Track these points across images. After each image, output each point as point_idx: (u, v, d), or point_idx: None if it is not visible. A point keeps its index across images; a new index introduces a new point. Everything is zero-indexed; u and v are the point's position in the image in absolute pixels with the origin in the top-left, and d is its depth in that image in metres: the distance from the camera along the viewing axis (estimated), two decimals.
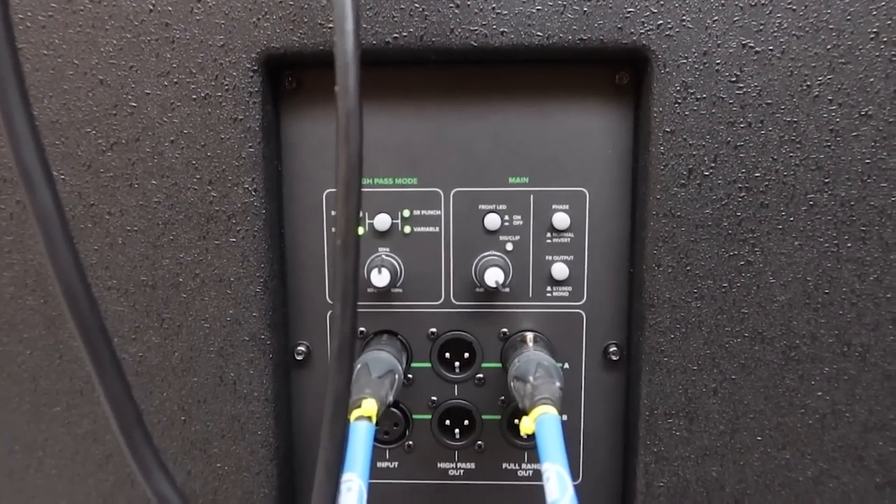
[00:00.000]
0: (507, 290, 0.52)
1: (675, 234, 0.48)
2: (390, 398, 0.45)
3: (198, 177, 0.49)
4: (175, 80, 0.48)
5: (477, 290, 0.52)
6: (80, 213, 0.50)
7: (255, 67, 0.48)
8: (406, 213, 0.52)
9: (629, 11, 0.46)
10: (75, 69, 0.49)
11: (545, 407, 0.40)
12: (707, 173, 0.47)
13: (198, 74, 0.48)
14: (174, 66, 0.48)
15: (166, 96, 0.49)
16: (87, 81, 0.49)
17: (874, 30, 0.46)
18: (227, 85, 0.48)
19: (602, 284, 0.52)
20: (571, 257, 0.52)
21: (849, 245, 0.48)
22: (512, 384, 0.46)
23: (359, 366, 0.47)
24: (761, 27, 0.46)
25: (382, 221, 0.51)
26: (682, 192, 0.48)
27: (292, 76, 0.51)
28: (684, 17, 0.46)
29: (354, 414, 0.42)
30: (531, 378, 0.44)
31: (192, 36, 0.48)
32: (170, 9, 0.48)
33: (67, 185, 0.50)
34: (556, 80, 0.50)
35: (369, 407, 0.42)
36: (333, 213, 0.52)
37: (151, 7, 0.48)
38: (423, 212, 0.52)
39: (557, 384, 0.43)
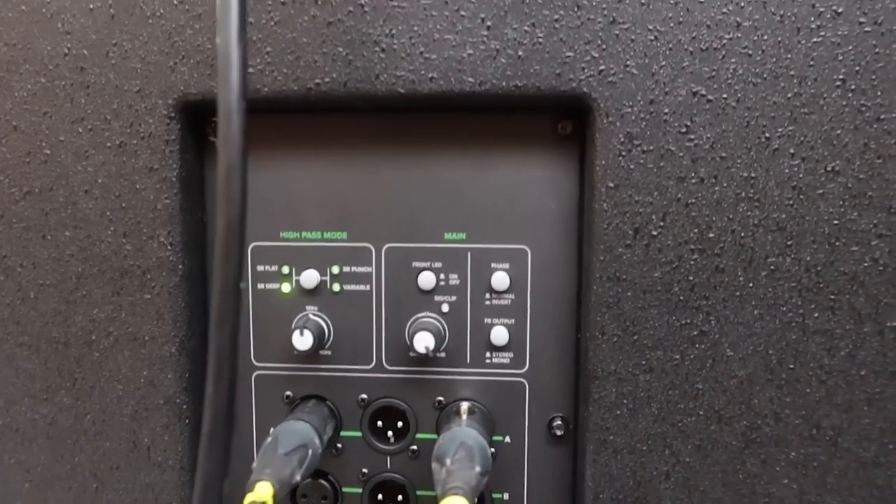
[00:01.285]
0: (443, 354, 0.48)
1: (621, 299, 0.44)
2: (297, 477, 0.41)
3: (112, 229, 0.46)
4: (90, 126, 0.46)
5: (411, 354, 0.48)
6: None
7: (172, 114, 0.45)
8: (335, 269, 0.48)
9: (568, 56, 0.43)
10: None
11: (454, 499, 0.36)
12: (655, 233, 0.43)
13: (113, 121, 0.45)
14: (89, 112, 0.46)
15: (80, 144, 0.46)
16: (0, 127, 0.47)
17: (840, 76, 0.41)
18: (142, 132, 0.45)
19: (546, 351, 0.48)
20: (512, 320, 0.47)
21: (816, 315, 0.42)
22: (432, 465, 0.41)
23: (269, 439, 0.43)
24: (713, 73, 0.42)
25: (310, 278, 0.48)
26: (627, 253, 0.43)
27: (215, 123, 0.48)
28: (628, 63, 0.42)
29: (248, 498, 0.37)
30: (448, 461, 0.39)
31: (108, 81, 0.45)
32: (85, 52, 0.45)
33: None
34: (494, 129, 0.46)
35: (262, 491, 0.38)
36: (260, 267, 0.49)
37: (66, 51, 0.45)
38: (354, 268, 0.48)
39: (476, 469, 0.39)
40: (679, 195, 0.43)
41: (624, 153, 0.43)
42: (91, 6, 0.45)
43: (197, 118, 0.47)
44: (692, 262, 0.43)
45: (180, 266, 0.46)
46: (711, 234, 0.43)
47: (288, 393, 0.49)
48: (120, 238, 0.46)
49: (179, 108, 0.45)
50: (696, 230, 0.43)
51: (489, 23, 0.43)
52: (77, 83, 0.46)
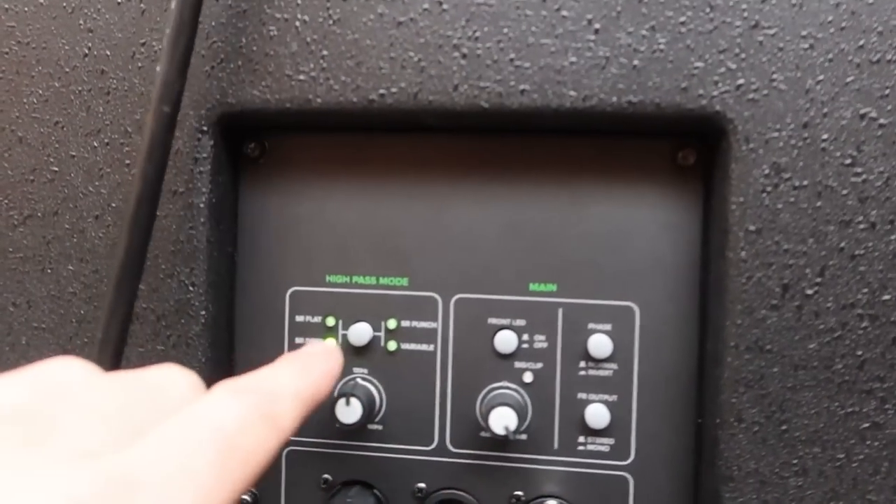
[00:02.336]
0: (524, 437, 0.38)
1: (765, 376, 0.33)
2: None
3: None
4: (106, 140, 0.38)
5: (482, 434, 0.38)
6: None
7: (205, 127, 0.37)
8: (392, 323, 0.39)
9: (697, 67, 0.34)
10: None
11: None
12: (811, 292, 0.33)
13: (134, 134, 0.38)
14: (107, 122, 0.38)
15: (94, 160, 0.38)
16: (4, 139, 0.39)
17: None
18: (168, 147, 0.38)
19: (658, 438, 0.37)
20: (614, 397, 0.37)
21: None
22: None
23: None
24: (887, 91, 0.33)
25: (360, 333, 0.39)
26: (773, 316, 0.33)
27: (255, 142, 0.40)
28: (775, 76, 0.33)
29: None
30: None
31: (131, 87, 0.38)
32: (107, 53, 0.38)
33: None
34: (596, 157, 0.38)
35: None
36: (299, 317, 0.40)
37: (87, 51, 0.38)
38: (415, 323, 0.39)
39: None
40: (842, 244, 0.33)
41: (769, 189, 0.33)
42: (119, 0, 0.38)
43: (234, 133, 0.39)
44: (860, 332, 0.33)
45: (203, 312, 0.38)
46: (887, 296, 0.33)
47: (326, 476, 0.40)
48: None
49: (214, 121, 0.37)
50: (865, 290, 0.33)
51: (597, 25, 0.35)
52: (96, 89, 0.38)
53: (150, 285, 0.38)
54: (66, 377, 0.21)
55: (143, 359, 0.38)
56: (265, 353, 0.40)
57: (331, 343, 0.38)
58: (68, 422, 0.18)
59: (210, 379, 0.37)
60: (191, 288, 0.38)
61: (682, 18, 0.34)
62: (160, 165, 0.35)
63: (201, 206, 0.37)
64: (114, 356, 0.34)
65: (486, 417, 0.37)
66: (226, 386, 0.23)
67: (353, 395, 0.36)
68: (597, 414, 0.37)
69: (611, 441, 0.38)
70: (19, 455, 0.17)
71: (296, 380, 0.26)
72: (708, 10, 0.34)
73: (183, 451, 0.18)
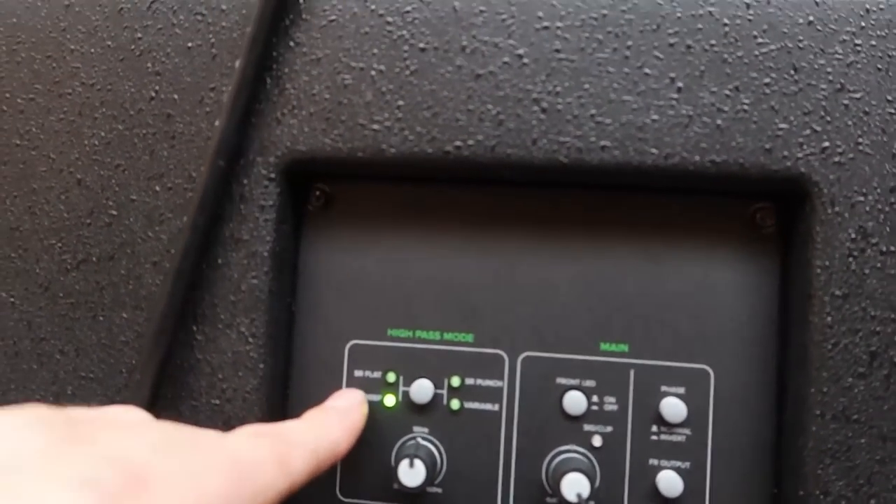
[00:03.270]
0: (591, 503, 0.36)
1: (852, 447, 0.32)
2: None
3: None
4: (169, 185, 0.37)
5: (548, 499, 0.37)
6: (26, 348, 0.38)
7: (273, 175, 0.36)
8: (455, 381, 0.38)
9: (781, 129, 0.34)
10: (50, 165, 0.38)
11: None
12: None
13: (199, 180, 0.37)
14: (171, 167, 0.37)
15: (156, 205, 0.37)
16: (62, 181, 0.38)
17: None
18: (232, 195, 0.37)
19: None
20: (687, 464, 0.36)
21: None
22: None
23: None
24: None
25: (422, 390, 0.37)
26: (860, 385, 0.32)
27: (321, 190, 0.39)
28: (860, 140, 0.33)
29: None
30: None
31: (198, 131, 0.37)
32: (175, 97, 0.37)
33: (16, 310, 0.38)
34: (673, 216, 0.37)
35: None
36: (358, 372, 0.38)
37: (153, 94, 0.38)
38: (479, 381, 0.38)
39: None
40: None
41: (856, 254, 0.33)
42: (190, 44, 0.37)
43: (300, 182, 0.38)
44: None
45: (261, 365, 0.36)
46: None
47: None
48: (189, 325, 0.37)
49: (281, 169, 0.37)
50: None
51: (680, 83, 0.34)
52: (161, 132, 0.37)
53: (207, 335, 0.37)
54: (125, 416, 0.26)
55: (195, 412, 0.36)
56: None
57: (356, 396, 0.37)
58: (110, 436, 0.22)
59: None
60: (250, 340, 0.36)
61: (767, 80, 0.34)
62: (210, 217, 0.35)
63: (265, 254, 0.36)
64: (146, 406, 0.33)
65: (553, 483, 0.35)
66: (248, 428, 0.27)
67: (417, 457, 0.35)
68: (669, 481, 0.36)
69: None
70: (62, 448, 0.20)
71: (313, 434, 0.30)
72: (793, 72, 0.34)
73: (197, 467, 0.22)
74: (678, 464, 0.36)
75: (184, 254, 0.35)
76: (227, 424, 0.36)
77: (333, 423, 0.33)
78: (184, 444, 0.23)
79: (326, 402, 0.36)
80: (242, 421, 0.36)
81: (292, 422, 0.32)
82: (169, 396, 0.37)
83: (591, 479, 0.34)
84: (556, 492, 0.34)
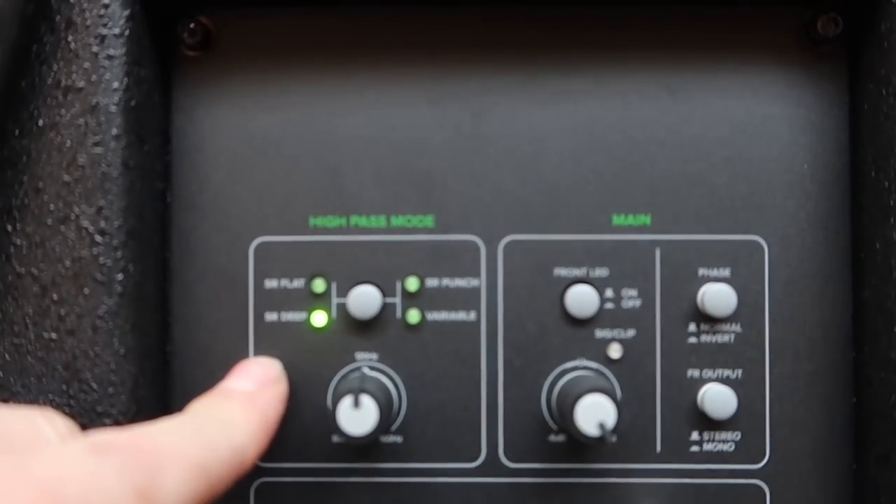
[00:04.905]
0: (615, 439, 0.26)
1: None
2: None
3: None
4: None
5: (552, 438, 0.26)
6: None
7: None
8: (412, 284, 0.26)
9: None
10: None
11: None
12: None
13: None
14: None
15: None
16: None
17: None
18: (53, 16, 0.24)
19: (802, 429, 0.26)
20: (738, 373, 0.26)
21: None
22: None
23: None
24: None
25: (365, 301, 0.26)
26: None
27: (197, 23, 0.27)
28: None
29: None
30: None
31: None
32: None
33: None
34: (704, 33, 0.26)
35: None
36: (270, 282, 0.27)
37: None
38: (446, 281, 0.26)
39: None
40: None
41: None
42: None
43: (165, 11, 0.26)
44: None
45: (119, 277, 0.24)
46: None
47: None
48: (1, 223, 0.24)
49: None
50: None
51: None
52: None
53: (30, 237, 0.24)
54: None
55: (18, 356, 0.24)
56: (221, 342, 0.27)
57: (269, 369, 0.25)
58: None
59: (133, 392, 0.24)
60: (98, 238, 0.24)
61: None
62: (12, 51, 0.22)
63: (112, 110, 0.24)
64: None
65: (560, 413, 0.25)
66: (91, 438, 0.17)
67: (364, 392, 0.23)
68: (716, 398, 0.26)
69: (736, 436, 0.26)
70: None
71: (199, 440, 0.19)
72: None
73: None
74: (727, 373, 0.26)
75: None
76: (69, 370, 0.24)
77: (235, 415, 0.22)
78: None
79: (223, 382, 0.24)
80: (93, 368, 0.24)
81: (165, 421, 0.19)
82: None
83: (618, 407, 0.24)
84: (565, 424, 0.24)
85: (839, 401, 0.26)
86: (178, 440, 0.18)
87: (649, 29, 0.26)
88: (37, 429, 0.18)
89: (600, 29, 0.26)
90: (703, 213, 0.26)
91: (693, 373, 0.26)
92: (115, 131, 0.24)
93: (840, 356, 0.26)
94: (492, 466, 0.26)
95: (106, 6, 0.24)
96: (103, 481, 0.15)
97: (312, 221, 0.27)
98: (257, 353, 0.26)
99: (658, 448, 0.26)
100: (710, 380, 0.26)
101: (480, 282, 0.26)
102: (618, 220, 0.26)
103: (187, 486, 0.17)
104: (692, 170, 0.26)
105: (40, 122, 0.24)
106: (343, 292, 0.26)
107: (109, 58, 0.24)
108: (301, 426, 0.26)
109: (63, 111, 0.24)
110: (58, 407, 0.23)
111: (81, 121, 0.24)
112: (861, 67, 0.26)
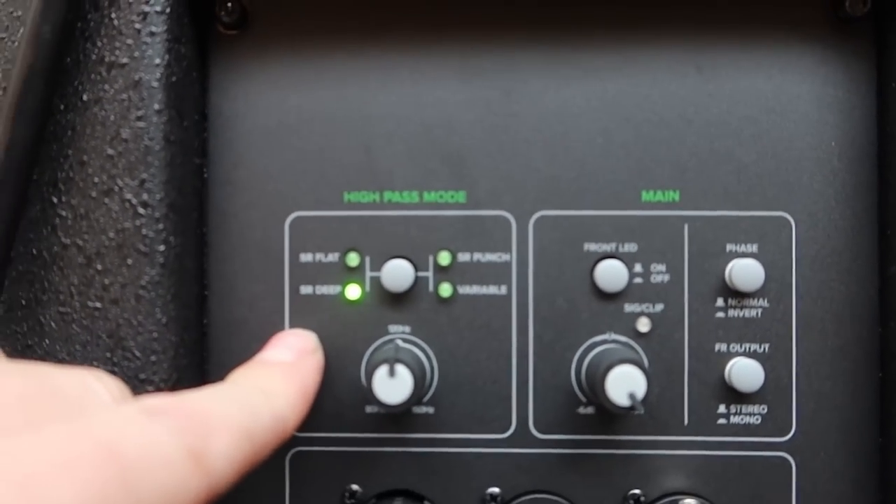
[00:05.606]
0: (640, 411, 0.27)
1: None
2: None
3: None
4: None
5: (581, 410, 0.27)
6: None
7: None
8: (444, 258, 0.27)
9: None
10: None
11: None
12: None
13: None
14: None
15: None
16: None
17: None
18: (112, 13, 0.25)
19: (828, 402, 0.27)
20: (766, 347, 0.27)
21: None
22: None
23: None
24: None
25: (399, 275, 0.26)
26: None
27: (231, 3, 0.27)
28: None
29: None
30: None
31: None
32: None
33: None
34: (730, 13, 0.27)
35: None
36: (305, 256, 0.27)
37: None
38: (478, 256, 0.27)
39: None
40: None
41: None
42: None
43: None
44: None
45: (161, 248, 0.25)
46: None
47: (354, 487, 0.27)
48: (47, 195, 0.25)
49: None
50: None
51: None
52: None
53: (75, 209, 0.25)
54: None
55: (64, 323, 0.25)
56: (256, 314, 0.27)
57: (306, 340, 0.26)
58: None
59: (174, 360, 0.25)
60: (140, 210, 0.24)
61: None
62: (61, 28, 0.23)
63: (154, 85, 0.25)
64: None
65: (590, 385, 0.25)
66: (144, 402, 0.17)
67: (400, 362, 0.24)
68: (744, 371, 0.26)
69: (763, 409, 0.27)
70: None
71: (244, 407, 0.19)
72: None
73: (43, 466, 0.13)
74: (754, 347, 0.27)
75: (23, 86, 0.23)
76: (113, 339, 0.24)
77: (275, 385, 0.22)
78: (37, 416, 0.15)
79: (262, 352, 0.25)
80: (136, 336, 0.24)
81: (210, 388, 0.20)
82: (22, 300, 0.25)
83: (647, 378, 0.24)
84: (595, 396, 0.25)
85: (865, 375, 0.27)
86: (224, 407, 0.19)
87: (678, 6, 0.27)
88: (88, 387, 0.18)
89: (629, 6, 0.27)
90: (731, 190, 0.27)
91: (721, 347, 0.27)
92: (156, 106, 0.25)
93: (866, 331, 0.27)
94: (522, 437, 0.27)
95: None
96: (159, 442, 0.16)
97: (346, 197, 0.27)
98: (292, 325, 0.27)
99: (685, 421, 0.27)
100: (737, 354, 0.27)
101: (511, 256, 0.27)
102: (647, 196, 0.27)
103: (235, 451, 0.18)
104: (720, 147, 0.27)
105: (85, 98, 0.25)
106: (376, 266, 0.27)
107: (151, 34, 0.25)
108: (335, 397, 0.27)
109: (107, 86, 0.25)
110: None
111: (124, 96, 0.25)
112: (889, 46, 0.26)
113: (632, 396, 0.24)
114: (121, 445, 0.15)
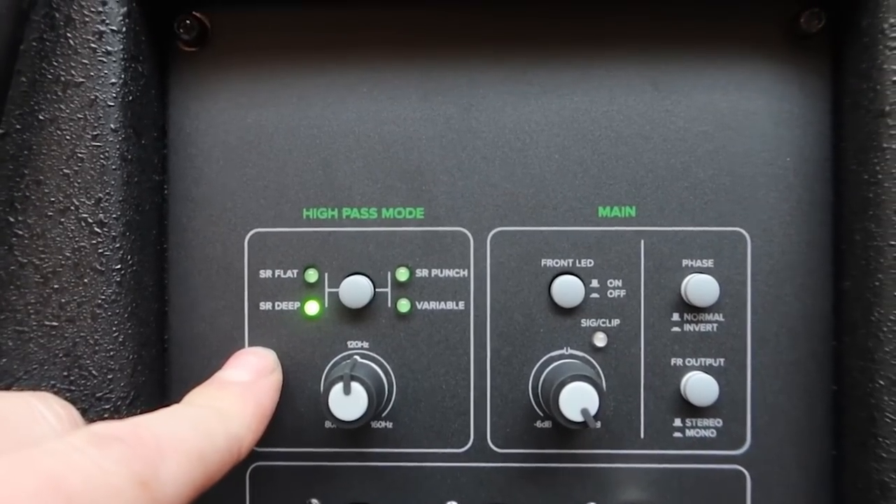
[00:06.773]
0: (598, 425, 0.27)
1: None
2: None
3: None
4: None
5: (538, 424, 0.27)
6: None
7: None
8: (402, 274, 0.27)
9: None
10: None
11: None
12: None
13: None
14: None
15: None
16: None
17: None
18: (53, 14, 0.25)
19: (781, 416, 0.27)
20: (721, 362, 0.27)
21: None
22: None
23: None
24: None
25: (357, 291, 0.27)
26: None
27: (193, 19, 0.27)
28: None
29: None
30: None
31: None
32: None
33: None
34: (688, 28, 0.27)
35: None
36: (265, 272, 0.27)
37: None
38: (436, 272, 0.27)
39: None
40: None
41: None
42: None
43: (161, 5, 0.26)
44: None
45: (117, 267, 0.25)
46: None
47: (314, 502, 0.27)
48: (4, 215, 0.25)
49: None
50: None
51: None
52: None
53: (31, 228, 0.25)
54: None
55: (21, 342, 0.25)
56: (216, 330, 0.27)
57: (264, 359, 0.26)
58: None
59: (131, 378, 0.25)
60: (97, 230, 0.25)
61: None
62: (12, 48, 0.23)
63: (110, 104, 0.25)
64: None
65: (546, 400, 0.25)
66: (93, 429, 0.17)
67: (355, 380, 0.24)
68: (699, 386, 0.26)
69: (718, 423, 0.27)
70: None
71: (197, 430, 0.19)
72: None
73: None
74: (709, 361, 0.27)
75: None
76: (70, 357, 0.24)
77: (231, 405, 0.22)
78: None
79: (220, 371, 0.25)
80: (92, 355, 0.25)
81: (164, 411, 0.20)
82: None
83: (601, 394, 0.24)
84: (551, 411, 0.25)
85: (819, 389, 0.27)
86: (176, 430, 0.18)
87: (635, 24, 0.27)
88: (36, 414, 0.18)
89: (586, 24, 0.27)
90: (687, 206, 0.27)
91: (676, 361, 0.27)
92: (113, 125, 0.25)
93: (820, 346, 0.27)
94: (480, 452, 0.27)
95: (104, 3, 0.25)
96: (105, 472, 0.15)
97: (306, 213, 0.27)
98: (252, 341, 0.27)
99: (642, 434, 0.27)
100: (692, 368, 0.27)
101: (469, 272, 0.27)
102: (603, 211, 0.27)
103: (186, 475, 0.18)
104: (677, 163, 0.27)
105: (41, 117, 0.25)
106: (335, 282, 0.27)
107: (107, 53, 0.25)
108: (294, 412, 0.27)
109: (63, 106, 0.25)
110: (59, 392, 0.24)
111: (80, 115, 0.25)
112: (843, 62, 0.26)
113: (584, 412, 0.24)
114: (66, 478, 0.15)
